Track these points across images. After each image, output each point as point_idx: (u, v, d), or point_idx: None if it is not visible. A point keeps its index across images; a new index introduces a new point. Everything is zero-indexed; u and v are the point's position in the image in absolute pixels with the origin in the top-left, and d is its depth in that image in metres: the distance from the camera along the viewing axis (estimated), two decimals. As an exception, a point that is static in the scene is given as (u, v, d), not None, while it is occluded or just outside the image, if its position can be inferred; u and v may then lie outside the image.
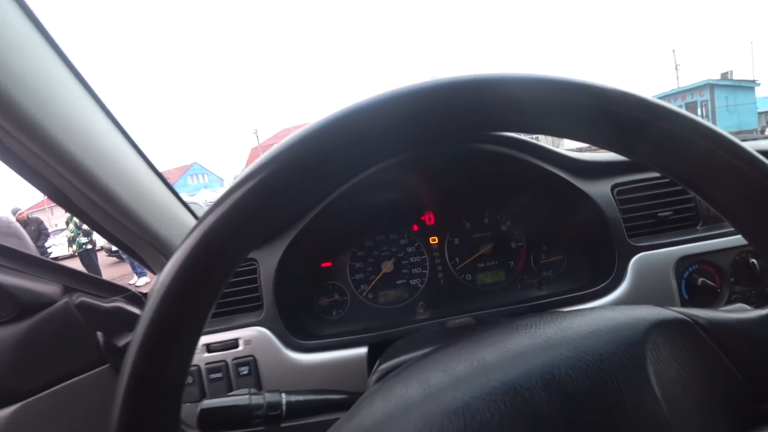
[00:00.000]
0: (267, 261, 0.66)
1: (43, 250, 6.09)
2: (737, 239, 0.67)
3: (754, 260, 0.66)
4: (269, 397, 0.42)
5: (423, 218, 0.80)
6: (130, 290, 0.78)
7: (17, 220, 5.81)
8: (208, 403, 0.41)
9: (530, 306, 0.67)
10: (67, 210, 0.67)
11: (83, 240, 5.85)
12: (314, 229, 0.69)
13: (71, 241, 5.96)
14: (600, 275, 0.68)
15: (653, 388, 0.23)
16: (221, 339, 0.63)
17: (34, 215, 6.04)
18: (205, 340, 0.64)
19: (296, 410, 0.43)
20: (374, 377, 0.47)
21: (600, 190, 0.69)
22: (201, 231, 0.23)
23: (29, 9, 0.51)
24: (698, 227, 0.71)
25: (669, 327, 0.27)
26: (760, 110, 18.20)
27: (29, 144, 0.52)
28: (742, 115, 17.49)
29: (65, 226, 6.18)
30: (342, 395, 0.46)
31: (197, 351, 0.58)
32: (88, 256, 6.13)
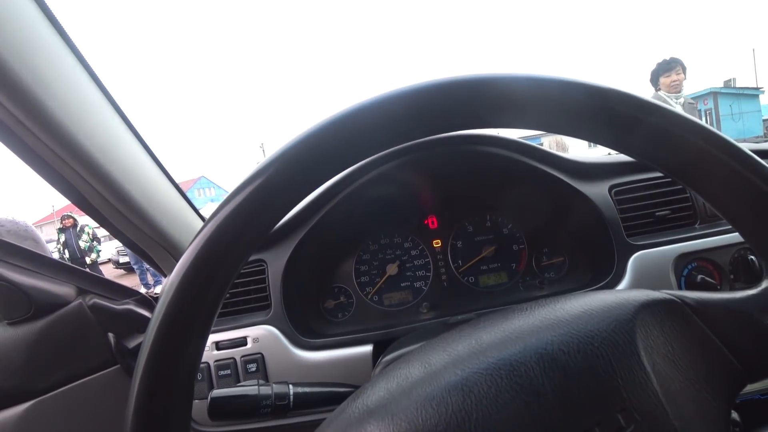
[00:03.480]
0: (275, 262, 0.68)
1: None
2: (736, 236, 0.68)
3: (753, 257, 0.67)
4: (277, 388, 0.43)
5: (426, 222, 0.82)
6: (141, 294, 0.80)
7: (63, 225, 6.08)
8: (218, 392, 0.42)
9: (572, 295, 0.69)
10: (86, 212, 0.70)
11: (100, 248, 6.06)
12: (321, 232, 0.70)
13: (89, 251, 6.15)
14: (600, 274, 0.69)
15: (643, 362, 0.25)
16: (230, 337, 0.65)
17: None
18: (214, 338, 0.66)
19: (303, 401, 0.44)
20: (378, 369, 0.48)
21: (598, 191, 0.71)
22: (206, 234, 0.25)
23: (61, 27, 0.55)
24: (696, 225, 0.72)
25: (658, 306, 0.29)
26: (765, 117, 18.12)
27: (58, 150, 0.56)
28: (747, 123, 17.42)
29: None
30: (348, 388, 0.48)
31: (207, 348, 0.60)
32: (97, 268, 6.35)
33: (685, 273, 0.67)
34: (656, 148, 0.30)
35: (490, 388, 0.24)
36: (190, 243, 0.26)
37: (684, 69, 2.75)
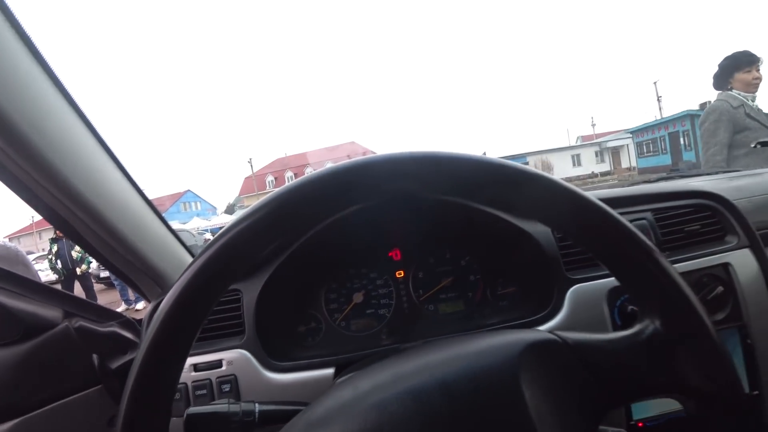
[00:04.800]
0: (249, 291, 0.75)
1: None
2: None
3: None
4: (245, 406, 0.50)
5: (390, 254, 0.89)
6: (125, 316, 0.85)
7: (57, 236, 6.05)
8: (193, 409, 0.49)
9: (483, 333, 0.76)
10: (72, 240, 0.75)
11: (91, 259, 6.06)
12: (293, 264, 0.77)
13: (80, 261, 6.18)
14: (543, 305, 0.77)
15: (522, 393, 0.32)
16: (207, 360, 0.71)
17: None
18: (192, 360, 0.72)
19: (268, 418, 0.51)
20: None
21: (541, 229, 0.79)
22: (191, 271, 0.33)
23: (39, 54, 0.58)
24: None
25: (542, 345, 0.36)
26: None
27: (45, 184, 0.61)
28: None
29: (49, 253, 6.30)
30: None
31: (186, 370, 0.67)
32: (89, 278, 6.43)
33: (618, 304, 0.75)
34: (539, 211, 0.37)
35: (400, 409, 0.31)
36: (179, 278, 0.33)
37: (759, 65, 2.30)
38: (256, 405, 0.51)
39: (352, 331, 0.86)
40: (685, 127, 20.51)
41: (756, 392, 0.76)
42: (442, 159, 0.35)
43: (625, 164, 29.71)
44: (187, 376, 0.70)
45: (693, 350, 0.34)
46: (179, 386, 0.69)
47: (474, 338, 0.38)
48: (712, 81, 2.37)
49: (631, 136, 26.85)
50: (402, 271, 0.88)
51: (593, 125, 37.91)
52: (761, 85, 2.23)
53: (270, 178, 40.62)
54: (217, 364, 0.71)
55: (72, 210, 0.66)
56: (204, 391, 0.69)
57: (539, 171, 0.36)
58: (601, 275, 0.77)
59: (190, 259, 0.96)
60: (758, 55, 2.23)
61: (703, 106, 22.02)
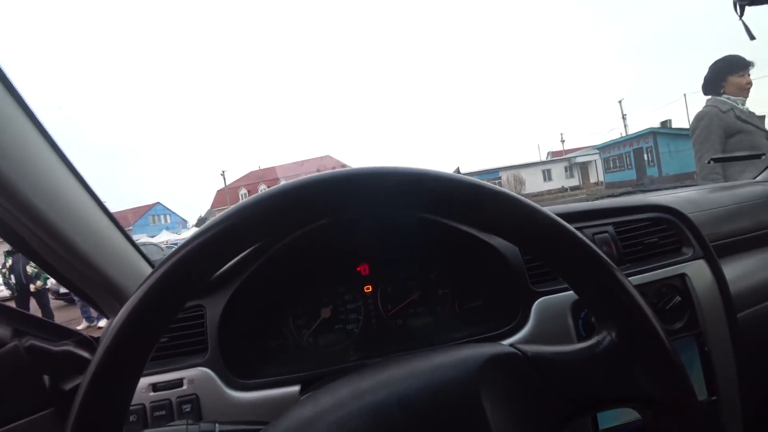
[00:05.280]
0: (213, 307, 0.73)
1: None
2: (633, 281, 0.79)
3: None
4: (204, 426, 0.48)
5: (359, 269, 0.89)
6: (81, 334, 0.81)
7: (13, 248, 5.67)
8: (150, 431, 0.47)
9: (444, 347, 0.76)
10: (25, 255, 0.72)
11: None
12: (259, 279, 0.76)
13: (36, 277, 5.89)
14: (510, 318, 0.78)
15: (482, 405, 0.32)
16: (167, 379, 0.68)
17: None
18: (151, 380, 0.69)
19: None
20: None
21: (507, 244, 0.79)
22: (145, 287, 0.32)
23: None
24: None
25: (502, 359, 0.37)
26: (699, 156, 19.72)
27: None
28: (683, 160, 18.90)
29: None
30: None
31: (143, 390, 0.64)
32: (45, 295, 6.08)
33: (582, 316, 0.77)
34: (498, 226, 0.38)
35: (360, 426, 0.31)
36: (132, 294, 0.32)
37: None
38: (216, 425, 0.49)
39: (320, 347, 0.85)
40: (648, 144, 21.53)
41: (714, 398, 0.78)
42: (391, 175, 0.35)
43: (593, 179, 30.72)
44: (145, 396, 0.67)
45: (647, 361, 0.36)
46: (136, 407, 0.66)
47: (435, 353, 0.38)
48: (702, 85, 2.31)
49: (598, 152, 27.88)
50: (370, 286, 0.88)
51: (563, 141, 39.16)
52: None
53: (243, 191, 40.03)
54: (178, 383, 0.68)
55: (23, 221, 0.63)
56: (163, 412, 0.66)
57: (495, 186, 0.37)
58: (565, 287, 0.78)
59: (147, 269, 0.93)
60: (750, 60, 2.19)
61: (664, 123, 23.36)
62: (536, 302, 0.76)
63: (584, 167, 31.97)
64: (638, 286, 0.80)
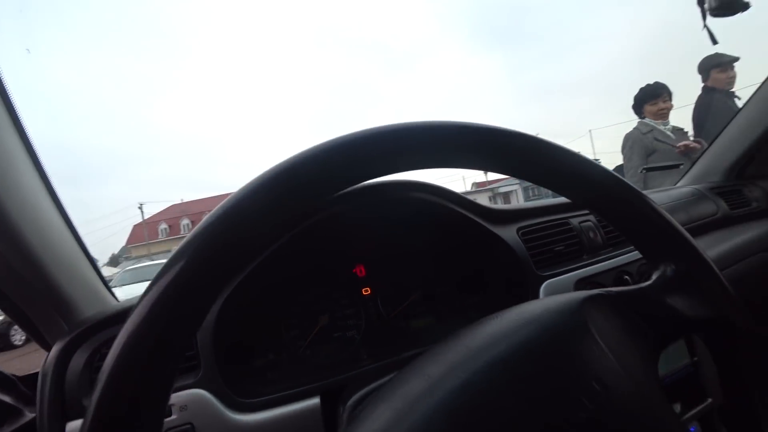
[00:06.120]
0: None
1: None
2: (613, 262, 0.83)
3: (627, 277, 0.82)
4: None
5: (354, 270, 0.83)
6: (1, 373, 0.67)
7: None
8: None
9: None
10: None
11: None
12: (249, 286, 0.68)
13: None
14: (519, 302, 0.77)
15: (599, 342, 0.31)
16: None
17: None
18: None
19: None
20: (345, 414, 0.47)
21: (509, 233, 0.81)
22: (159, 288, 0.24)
23: None
24: (584, 256, 0.85)
25: (596, 299, 0.35)
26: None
27: None
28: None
29: None
30: None
31: None
32: None
33: None
34: (573, 187, 0.39)
35: (488, 384, 0.27)
36: (132, 313, 0.23)
37: (670, 95, 2.56)
38: None
39: (321, 356, 0.76)
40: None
41: (695, 359, 0.81)
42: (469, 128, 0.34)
43: (515, 206, 32.84)
44: None
45: (707, 285, 0.39)
46: None
47: (527, 306, 0.36)
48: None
49: (519, 182, 29.97)
50: (368, 288, 0.82)
51: (486, 173, 41.51)
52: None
53: (163, 225, 37.36)
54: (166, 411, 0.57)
55: None
56: None
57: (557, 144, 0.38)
58: (566, 270, 0.80)
59: (103, 288, 0.80)
60: (667, 86, 2.52)
61: None
62: (543, 285, 0.78)
63: (507, 196, 34.15)
64: (621, 266, 0.85)
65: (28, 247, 0.59)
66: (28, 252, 0.59)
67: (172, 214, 39.02)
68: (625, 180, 0.39)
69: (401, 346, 0.77)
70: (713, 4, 0.58)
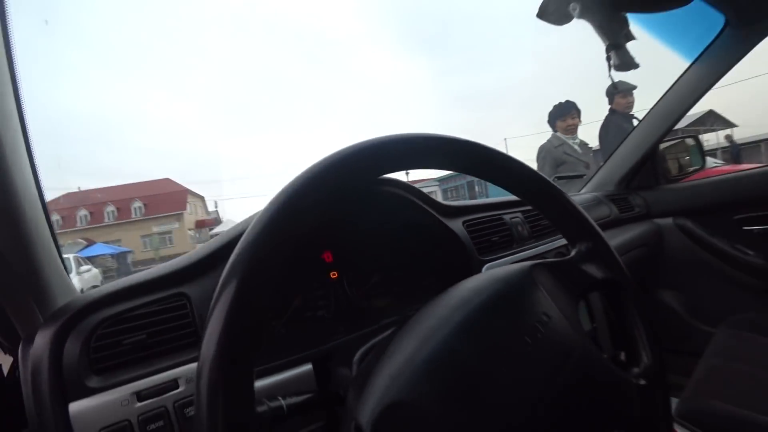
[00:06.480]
0: (200, 293, 0.68)
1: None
2: (535, 251, 1.04)
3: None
4: (272, 404, 0.46)
5: (323, 256, 0.93)
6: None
7: None
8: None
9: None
10: None
11: None
12: None
13: None
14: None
15: (542, 290, 0.47)
16: (154, 383, 0.58)
17: None
18: (132, 388, 0.58)
19: (297, 409, 0.48)
20: (355, 367, 0.57)
21: (457, 225, 0.97)
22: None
23: None
24: (514, 246, 1.05)
25: (539, 266, 0.51)
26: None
27: None
28: (504, 192, 22.66)
29: None
30: (328, 393, 0.53)
31: (124, 403, 0.59)
32: None
33: None
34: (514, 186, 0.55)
35: (476, 324, 0.41)
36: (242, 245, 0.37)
37: (579, 113, 2.97)
38: (283, 401, 0.47)
39: (296, 333, 0.86)
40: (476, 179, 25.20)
41: (594, 325, 1.04)
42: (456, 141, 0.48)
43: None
44: (129, 409, 0.56)
45: (605, 259, 0.56)
46: (119, 425, 0.55)
47: (490, 274, 0.51)
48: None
49: (438, 184, 31.31)
50: (336, 272, 0.93)
51: (407, 174, 42.81)
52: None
53: (56, 216, 33.39)
54: (172, 385, 0.59)
55: None
56: (161, 423, 0.56)
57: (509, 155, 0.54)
58: (501, 256, 0.98)
59: (67, 276, 0.78)
60: (576, 105, 2.94)
61: None
62: (484, 267, 0.95)
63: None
64: (543, 253, 1.05)
65: (19, 229, 0.58)
66: (19, 236, 0.58)
67: (67, 204, 34.91)
68: (554, 183, 0.56)
69: (365, 322, 0.89)
70: (616, 63, 0.78)
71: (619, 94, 2.98)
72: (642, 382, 0.49)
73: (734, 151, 17.13)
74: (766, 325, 1.29)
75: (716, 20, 1.30)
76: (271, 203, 0.38)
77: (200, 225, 37.81)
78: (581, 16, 0.75)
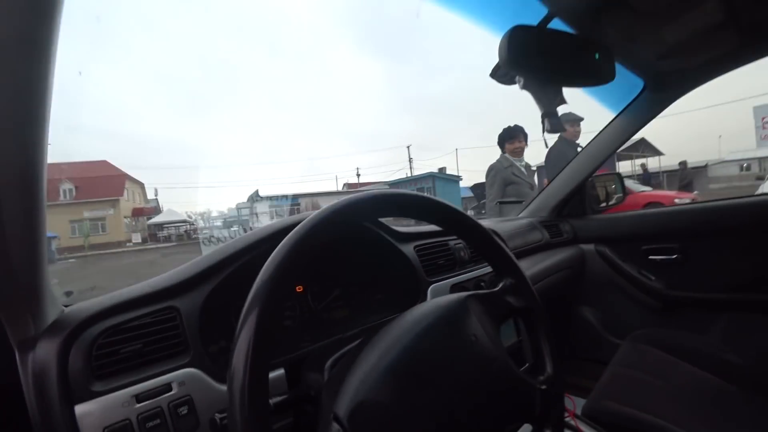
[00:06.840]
0: (189, 307, 0.76)
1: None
2: (474, 273, 1.22)
3: (483, 283, 1.20)
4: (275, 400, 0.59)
5: None
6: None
7: None
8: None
9: (367, 328, 0.98)
10: None
11: None
12: (224, 283, 0.83)
13: None
14: (413, 300, 1.08)
15: (473, 317, 0.62)
16: (150, 387, 0.66)
17: None
18: (131, 391, 0.65)
19: (280, 407, 0.60)
20: (326, 373, 0.67)
21: (408, 249, 1.12)
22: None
23: None
24: (456, 268, 1.21)
25: (472, 297, 0.67)
26: (463, 196, 24.85)
27: None
28: (453, 199, 23.45)
29: None
30: (302, 393, 0.66)
31: (125, 404, 0.67)
32: None
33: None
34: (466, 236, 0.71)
35: (419, 344, 0.56)
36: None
37: (525, 137, 3.17)
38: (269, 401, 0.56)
39: None
40: (428, 185, 25.97)
41: (520, 339, 1.22)
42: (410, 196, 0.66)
43: (384, 210, 34.60)
44: (129, 410, 0.63)
45: (522, 291, 0.73)
46: (120, 424, 0.62)
47: (432, 304, 0.65)
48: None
49: (388, 187, 31.69)
50: (301, 287, 1.04)
51: (358, 175, 42.90)
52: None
53: None
54: (166, 388, 0.67)
55: None
56: (158, 421, 0.64)
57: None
58: (445, 277, 1.14)
59: (50, 285, 0.81)
60: (523, 129, 3.17)
61: (441, 170, 28.80)
62: (430, 287, 1.10)
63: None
64: (479, 276, 1.23)
65: (33, 239, 0.55)
66: (34, 232, 0.54)
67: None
68: (484, 226, 0.71)
69: (325, 332, 1.00)
70: (548, 128, 0.94)
71: (569, 122, 3.30)
72: (543, 387, 0.65)
73: (645, 177, 19.77)
74: (661, 339, 1.54)
75: (637, 83, 1.54)
76: (283, 245, 0.51)
77: (138, 213, 35.18)
78: (524, 87, 0.91)
